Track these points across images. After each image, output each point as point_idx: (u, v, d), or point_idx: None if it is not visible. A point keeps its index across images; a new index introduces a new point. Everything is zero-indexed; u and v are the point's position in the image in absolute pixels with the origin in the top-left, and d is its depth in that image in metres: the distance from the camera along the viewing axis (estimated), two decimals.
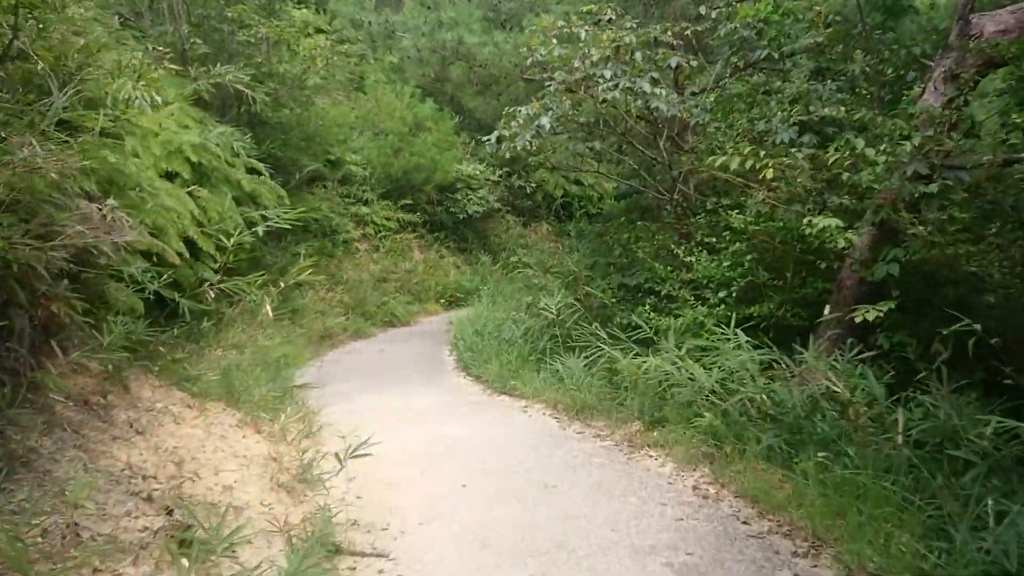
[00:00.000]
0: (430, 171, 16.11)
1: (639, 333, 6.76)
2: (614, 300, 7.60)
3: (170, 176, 9.34)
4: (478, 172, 17.59)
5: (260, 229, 7.53)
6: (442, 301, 15.07)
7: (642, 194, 10.31)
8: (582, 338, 7.34)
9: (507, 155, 8.08)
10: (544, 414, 6.66)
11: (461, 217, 17.04)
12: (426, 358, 10.21)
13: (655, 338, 6.65)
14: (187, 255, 7.94)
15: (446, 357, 10.36)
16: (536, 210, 19.83)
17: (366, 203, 15.55)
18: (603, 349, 6.81)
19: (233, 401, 6.17)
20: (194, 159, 9.40)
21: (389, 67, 19.67)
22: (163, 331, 7.43)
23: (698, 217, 7.72)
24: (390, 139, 16.25)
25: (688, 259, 7.30)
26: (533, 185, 19.17)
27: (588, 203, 20.07)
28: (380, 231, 15.37)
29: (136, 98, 5.26)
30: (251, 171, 10.86)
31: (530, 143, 7.77)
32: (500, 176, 18.30)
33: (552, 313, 7.56)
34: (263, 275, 7.14)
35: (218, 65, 10.83)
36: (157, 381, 5.93)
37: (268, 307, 6.58)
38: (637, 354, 6.45)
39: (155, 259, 7.21)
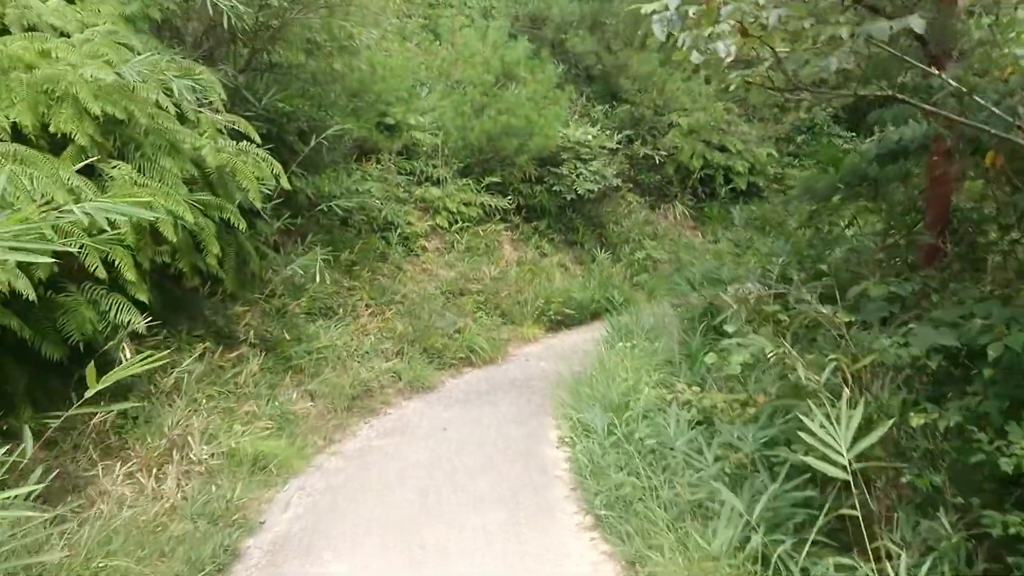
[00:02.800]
0: (525, 136, 11.52)
1: None
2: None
3: (56, 140, 5.20)
4: (590, 137, 12.87)
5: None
6: (544, 320, 10.53)
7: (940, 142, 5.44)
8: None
9: (697, 57, 3.40)
10: None
11: (569, 199, 12.39)
12: (516, 459, 5.67)
13: None
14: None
15: (551, 452, 5.82)
16: (667, 187, 14.93)
17: (437, 183, 11.15)
18: None
19: None
20: (97, 111, 5.16)
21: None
22: None
23: None
24: (470, 92, 11.75)
25: None
26: (663, 153, 14.29)
27: (735, 176, 15.04)
28: (456, 221, 10.95)
29: None
30: (240, 136, 6.63)
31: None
32: (619, 142, 13.51)
33: (844, 464, 2.83)
34: None
35: None
36: None
37: None
38: None
39: None
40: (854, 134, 17.43)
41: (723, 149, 14.80)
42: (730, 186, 15.00)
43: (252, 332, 7.00)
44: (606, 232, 13.22)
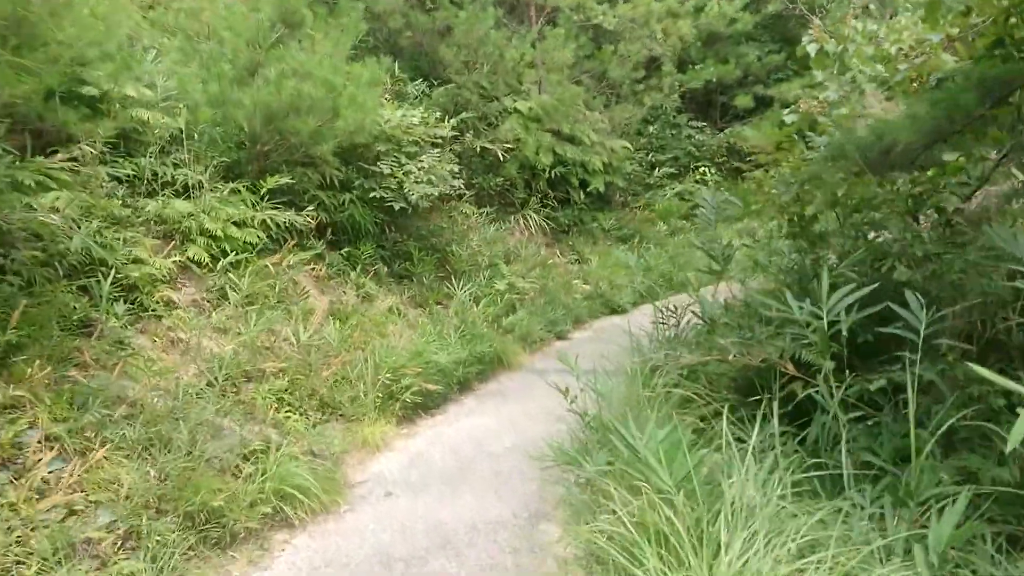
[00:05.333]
0: (328, 113, 7.27)
1: None
2: None
3: None
4: (415, 122, 8.87)
5: None
6: (394, 407, 6.32)
7: None
8: None
9: None
10: None
11: (396, 209, 8.29)
12: None
13: None
14: None
15: None
16: (510, 192, 11.25)
17: (185, 191, 6.56)
18: None
19: None
20: None
21: None
22: None
23: None
24: (230, 44, 7.27)
25: None
26: (507, 146, 10.60)
27: (591, 176, 11.73)
28: (225, 252, 6.42)
29: None
30: None
31: None
32: (450, 131, 9.62)
33: None
34: None
35: None
36: None
37: None
38: None
39: None
40: (704, 123, 15.11)
41: (574, 141, 11.44)
42: (586, 189, 11.70)
43: None
44: (449, 257, 9.25)
